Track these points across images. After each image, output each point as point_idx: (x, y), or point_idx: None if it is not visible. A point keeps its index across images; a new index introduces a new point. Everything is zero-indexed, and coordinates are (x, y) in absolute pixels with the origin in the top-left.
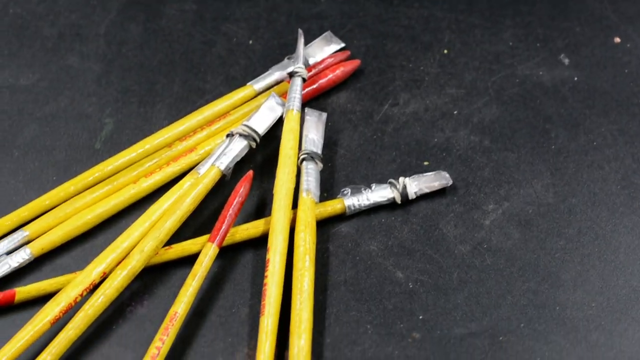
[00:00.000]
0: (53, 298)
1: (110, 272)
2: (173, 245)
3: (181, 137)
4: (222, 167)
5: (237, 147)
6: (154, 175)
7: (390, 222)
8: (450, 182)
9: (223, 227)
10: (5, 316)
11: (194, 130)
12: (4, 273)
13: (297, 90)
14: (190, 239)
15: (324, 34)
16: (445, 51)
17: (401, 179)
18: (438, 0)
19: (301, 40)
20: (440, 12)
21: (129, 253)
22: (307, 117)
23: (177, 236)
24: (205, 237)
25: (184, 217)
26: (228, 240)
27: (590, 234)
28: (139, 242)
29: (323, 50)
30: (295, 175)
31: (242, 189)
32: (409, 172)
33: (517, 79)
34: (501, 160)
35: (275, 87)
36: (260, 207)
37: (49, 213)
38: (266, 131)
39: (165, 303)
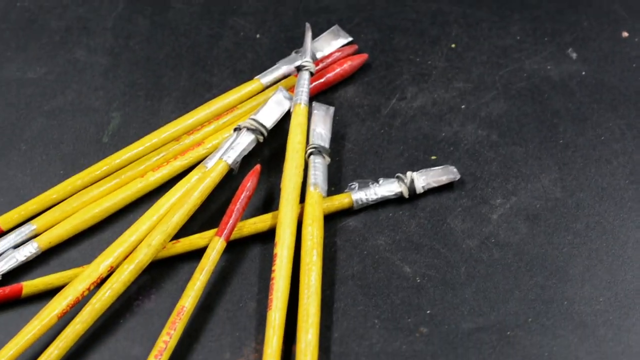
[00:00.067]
0: (60, 292)
1: (118, 266)
2: (180, 239)
3: (188, 131)
4: (230, 161)
5: (245, 141)
6: (161, 169)
7: (397, 216)
8: (458, 177)
9: (230, 221)
10: (12, 310)
11: (202, 124)
12: (11, 267)
13: (304, 84)
14: (198, 233)
15: (331, 28)
16: (453, 45)
17: (409, 173)
18: None
19: (309, 34)
20: (448, 6)
21: (136, 247)
22: (314, 111)
23: (184, 230)
24: (213, 231)
25: (191, 211)
26: (235, 235)
27: (598, 229)
28: (147, 236)
29: (330, 44)
30: (302, 170)
31: (249, 183)
32: (416, 166)
33: (524, 73)
34: (509, 154)
35: (282, 81)
36: (268, 201)
37: (56, 207)
38: (274, 125)
39: (173, 297)
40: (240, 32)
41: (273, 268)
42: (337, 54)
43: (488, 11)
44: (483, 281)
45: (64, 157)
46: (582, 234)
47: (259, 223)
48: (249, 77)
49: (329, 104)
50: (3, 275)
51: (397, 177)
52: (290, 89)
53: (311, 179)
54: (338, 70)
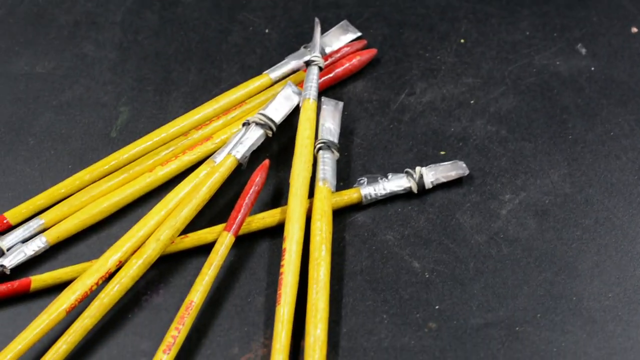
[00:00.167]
0: (69, 286)
1: (126, 260)
2: (189, 234)
3: (197, 126)
4: (239, 156)
5: (254, 136)
6: (169, 164)
7: (406, 211)
8: (467, 172)
9: (239, 216)
10: (21, 304)
11: (210, 119)
12: (19, 261)
13: (313, 79)
14: (206, 227)
15: (340, 23)
16: (462, 40)
17: (418, 168)
18: None
19: (318, 29)
20: (458, 1)
21: (144, 242)
22: (323, 106)
23: (192, 225)
24: (221, 226)
25: (200, 206)
26: (244, 229)
27: (607, 225)
28: (155, 230)
29: (339, 39)
30: (311, 165)
31: (258, 177)
32: (425, 161)
33: (534, 69)
34: (518, 150)
35: (291, 76)
36: (277, 196)
37: (64, 201)
38: (282, 120)
39: (181, 292)
40: (250, 27)
41: (282, 263)
42: (346, 49)
43: (497, 6)
44: (492, 277)
45: (72, 152)
46: (591, 229)
47: (267, 218)
48: (257, 72)
49: (338, 99)
50: (11, 269)
51: (406, 172)
52: (299, 84)
53: (320, 174)
54: (347, 65)
